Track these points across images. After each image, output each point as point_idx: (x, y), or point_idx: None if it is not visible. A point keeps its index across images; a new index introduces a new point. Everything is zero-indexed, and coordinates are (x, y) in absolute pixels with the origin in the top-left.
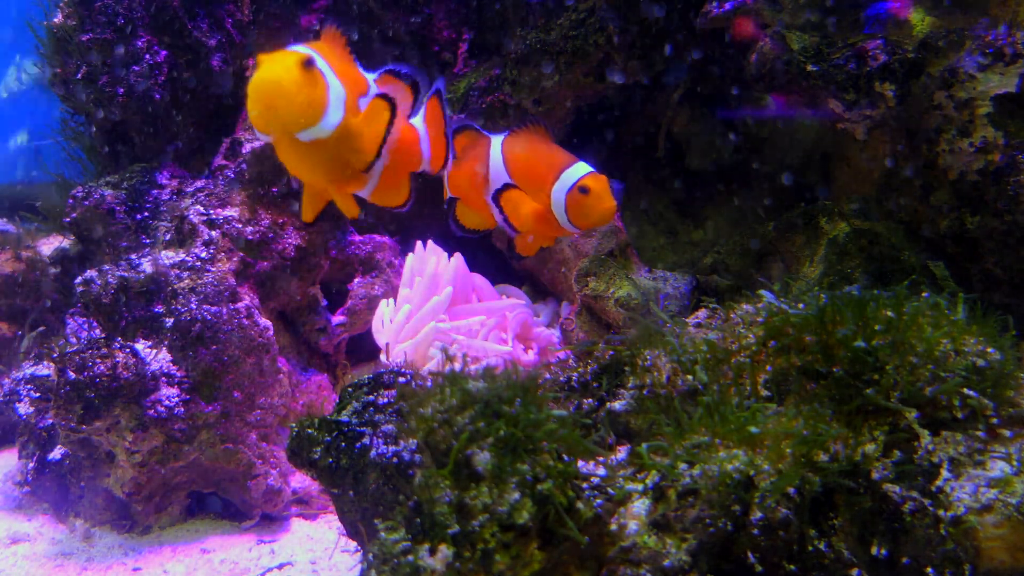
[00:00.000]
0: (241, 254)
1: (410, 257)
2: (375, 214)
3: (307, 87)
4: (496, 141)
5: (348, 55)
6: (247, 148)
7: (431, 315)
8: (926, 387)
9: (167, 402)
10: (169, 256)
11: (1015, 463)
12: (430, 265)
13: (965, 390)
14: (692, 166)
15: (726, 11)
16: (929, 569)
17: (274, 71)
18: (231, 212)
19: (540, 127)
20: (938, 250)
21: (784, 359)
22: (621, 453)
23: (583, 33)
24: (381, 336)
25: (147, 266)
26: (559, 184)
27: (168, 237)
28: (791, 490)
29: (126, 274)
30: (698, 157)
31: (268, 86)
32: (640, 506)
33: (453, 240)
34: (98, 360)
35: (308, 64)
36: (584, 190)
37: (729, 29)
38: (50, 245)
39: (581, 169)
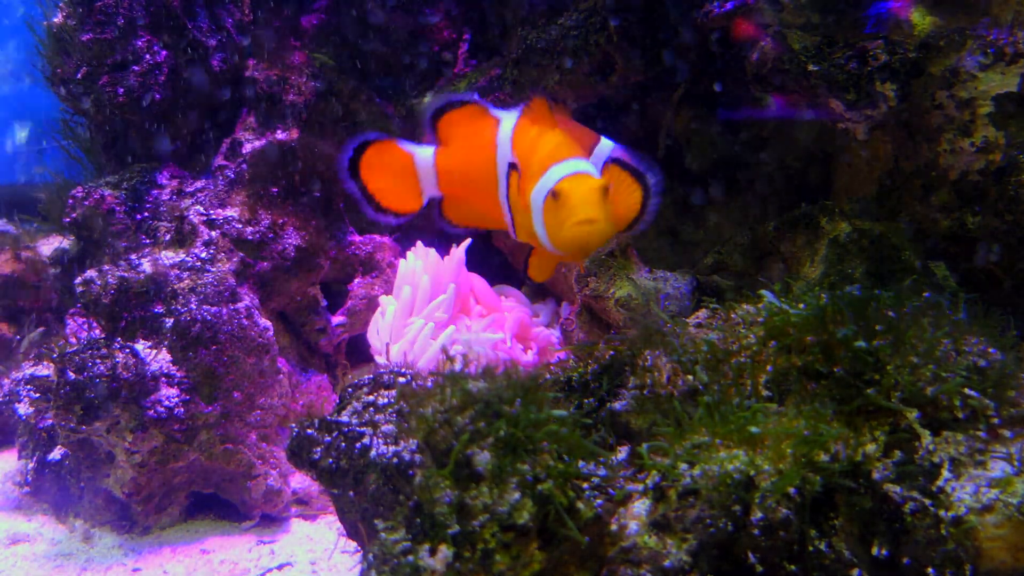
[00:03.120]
0: (241, 254)
1: (401, 263)
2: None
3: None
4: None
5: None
6: (247, 148)
7: (427, 313)
8: (927, 387)
9: (167, 402)
10: (169, 256)
11: (1016, 463)
12: (408, 265)
13: (966, 390)
14: (692, 166)
15: (727, 10)
16: (930, 569)
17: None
18: (231, 212)
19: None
20: (938, 250)
21: (785, 359)
22: (621, 453)
23: (583, 33)
24: (376, 339)
25: (147, 266)
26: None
27: (168, 237)
28: (792, 490)
29: (126, 274)
30: (698, 157)
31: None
32: (640, 506)
33: (452, 240)
34: (98, 360)
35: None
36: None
37: (730, 28)
38: (50, 245)
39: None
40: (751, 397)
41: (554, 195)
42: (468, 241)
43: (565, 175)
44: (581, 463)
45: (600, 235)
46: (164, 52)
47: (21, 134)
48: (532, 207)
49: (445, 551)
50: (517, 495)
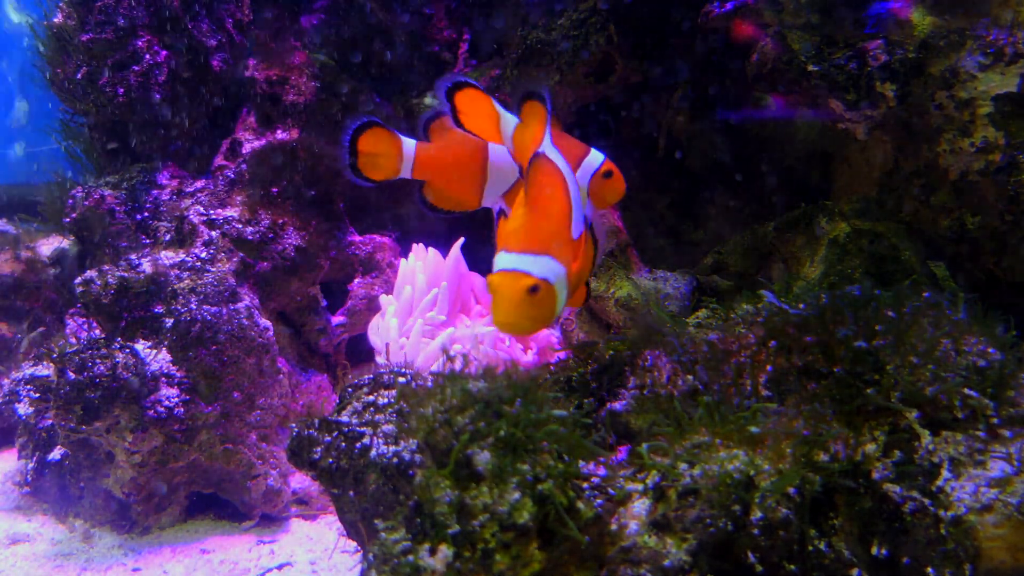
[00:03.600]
0: (241, 254)
1: (402, 263)
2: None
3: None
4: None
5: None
6: (247, 148)
7: (418, 313)
8: (927, 387)
9: (167, 402)
10: (169, 256)
11: (1015, 463)
12: (408, 266)
13: (965, 390)
14: (692, 166)
15: (727, 11)
16: (929, 569)
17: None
18: (231, 212)
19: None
20: (939, 250)
21: (784, 359)
22: (621, 453)
23: (583, 33)
24: (376, 339)
25: (147, 266)
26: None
27: (168, 237)
28: (791, 490)
29: (126, 274)
30: (698, 157)
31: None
32: (640, 506)
33: (454, 239)
34: (98, 360)
35: (533, 290)
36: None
37: (730, 29)
38: (50, 245)
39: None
40: (751, 397)
41: (487, 284)
42: (462, 240)
43: (501, 269)
44: (581, 463)
45: (524, 331)
46: (164, 52)
47: (22, 110)
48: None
49: (445, 551)
50: (517, 495)
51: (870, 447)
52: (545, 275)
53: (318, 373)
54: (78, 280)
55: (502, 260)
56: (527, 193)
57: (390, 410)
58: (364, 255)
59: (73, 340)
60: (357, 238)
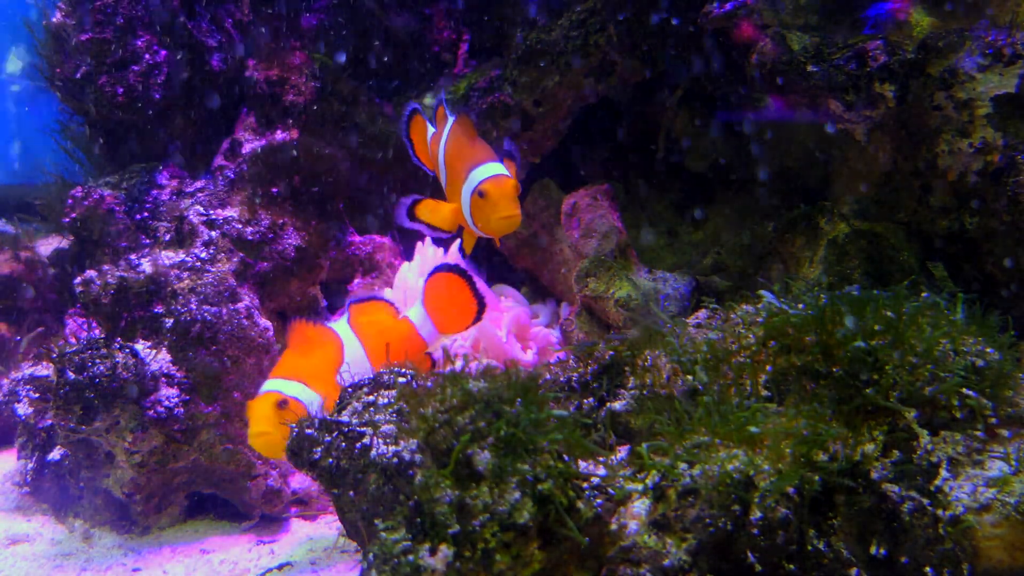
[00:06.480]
0: (241, 254)
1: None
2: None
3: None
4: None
5: None
6: (247, 148)
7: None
8: (925, 387)
9: (167, 403)
10: (169, 256)
11: (1013, 463)
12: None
13: (964, 390)
14: (692, 167)
15: (727, 11)
16: (928, 568)
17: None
18: (231, 212)
19: (467, 120)
20: (937, 250)
21: (784, 359)
22: (621, 453)
23: (583, 33)
24: None
25: (147, 266)
26: (467, 183)
27: (168, 237)
28: (791, 490)
29: (126, 274)
30: (698, 158)
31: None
32: (640, 506)
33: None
34: (98, 360)
35: (282, 404)
36: (482, 194)
37: (730, 29)
38: (49, 246)
39: (489, 170)
40: (751, 397)
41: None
42: (458, 241)
43: (260, 392)
44: (581, 463)
45: (275, 446)
46: (164, 52)
47: (14, 63)
48: None
49: (445, 551)
50: (517, 495)
51: (869, 447)
52: (295, 395)
53: None
54: (78, 280)
55: (264, 386)
56: (295, 343)
57: (390, 410)
58: (364, 255)
59: (73, 340)
60: (357, 238)
